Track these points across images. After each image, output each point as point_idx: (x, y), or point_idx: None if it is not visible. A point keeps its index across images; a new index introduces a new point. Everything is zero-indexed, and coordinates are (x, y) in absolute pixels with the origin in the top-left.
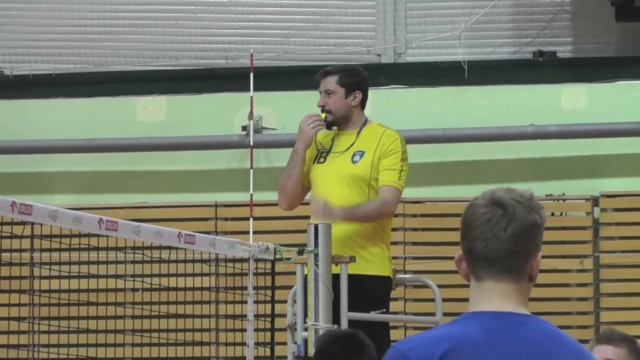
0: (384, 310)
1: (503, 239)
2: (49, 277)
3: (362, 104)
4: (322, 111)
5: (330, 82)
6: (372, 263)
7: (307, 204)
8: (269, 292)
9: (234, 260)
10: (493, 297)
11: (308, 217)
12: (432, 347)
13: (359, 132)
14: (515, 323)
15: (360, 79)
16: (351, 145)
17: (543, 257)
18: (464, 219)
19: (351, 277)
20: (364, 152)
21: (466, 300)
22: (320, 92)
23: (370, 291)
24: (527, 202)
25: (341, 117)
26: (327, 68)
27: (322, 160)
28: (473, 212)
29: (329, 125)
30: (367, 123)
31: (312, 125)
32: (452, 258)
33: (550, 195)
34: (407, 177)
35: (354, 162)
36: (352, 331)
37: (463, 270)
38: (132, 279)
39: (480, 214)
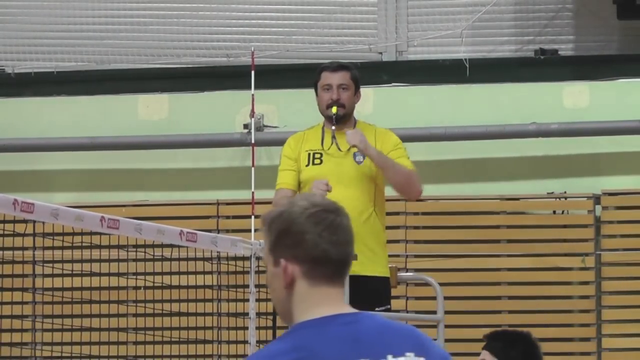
0: (388, 307)
1: None
2: (51, 275)
3: None
4: (333, 104)
5: (346, 76)
6: (377, 263)
7: None
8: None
9: (235, 258)
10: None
11: None
12: None
13: None
14: (346, 323)
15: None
16: (350, 147)
17: (545, 255)
18: None
19: (356, 278)
20: None
21: (467, 298)
22: (328, 85)
23: (375, 291)
24: None
25: (349, 114)
26: (338, 62)
27: (317, 162)
28: None
29: (337, 121)
30: (356, 122)
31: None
32: (453, 256)
33: (552, 193)
34: None
35: (358, 163)
36: None
37: None
38: (133, 277)
39: None
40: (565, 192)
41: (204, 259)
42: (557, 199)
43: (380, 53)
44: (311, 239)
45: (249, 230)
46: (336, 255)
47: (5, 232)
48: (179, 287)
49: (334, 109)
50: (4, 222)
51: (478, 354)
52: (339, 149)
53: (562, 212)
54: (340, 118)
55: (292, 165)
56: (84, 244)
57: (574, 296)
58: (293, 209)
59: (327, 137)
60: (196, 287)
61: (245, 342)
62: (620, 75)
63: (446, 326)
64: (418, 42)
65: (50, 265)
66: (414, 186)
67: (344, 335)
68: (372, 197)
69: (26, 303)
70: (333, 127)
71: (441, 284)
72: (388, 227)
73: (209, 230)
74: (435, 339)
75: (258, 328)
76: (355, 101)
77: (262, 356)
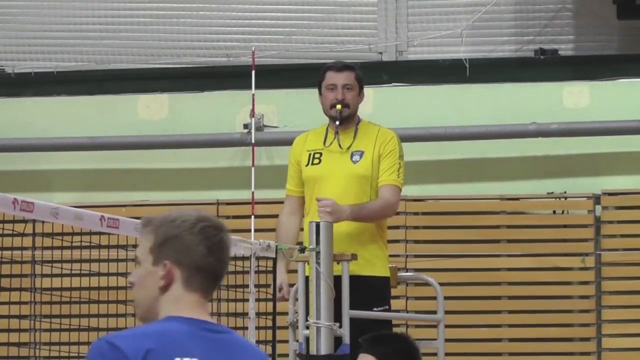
0: (387, 307)
1: None
2: (51, 275)
3: None
4: (338, 104)
5: (351, 77)
6: (374, 264)
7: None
8: (270, 290)
9: (235, 258)
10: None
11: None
12: (140, 343)
13: (355, 132)
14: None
15: None
16: (350, 146)
17: (545, 255)
18: None
19: (353, 278)
20: (363, 152)
21: (467, 298)
22: (332, 85)
23: (373, 291)
24: None
25: (353, 114)
26: (343, 62)
27: (316, 161)
28: None
29: (342, 121)
30: (360, 122)
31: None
32: (453, 256)
33: (552, 193)
34: (409, 174)
35: (354, 162)
36: None
37: None
38: None
39: None
40: (565, 192)
41: None
42: (557, 199)
43: (380, 53)
44: (201, 251)
45: (249, 230)
46: (218, 269)
47: (5, 232)
48: None
49: (338, 107)
50: (3, 221)
51: (478, 354)
52: (340, 146)
53: (562, 212)
54: (344, 118)
55: (294, 170)
56: (83, 244)
57: (574, 296)
58: (186, 220)
59: (330, 134)
60: None
61: None
62: (620, 75)
63: (446, 326)
64: (418, 42)
65: (50, 265)
66: (389, 214)
67: (214, 341)
68: (368, 196)
69: (26, 303)
70: (337, 123)
71: (441, 284)
72: (388, 227)
73: None
74: (435, 339)
75: (258, 328)
76: (359, 101)
77: (126, 335)
